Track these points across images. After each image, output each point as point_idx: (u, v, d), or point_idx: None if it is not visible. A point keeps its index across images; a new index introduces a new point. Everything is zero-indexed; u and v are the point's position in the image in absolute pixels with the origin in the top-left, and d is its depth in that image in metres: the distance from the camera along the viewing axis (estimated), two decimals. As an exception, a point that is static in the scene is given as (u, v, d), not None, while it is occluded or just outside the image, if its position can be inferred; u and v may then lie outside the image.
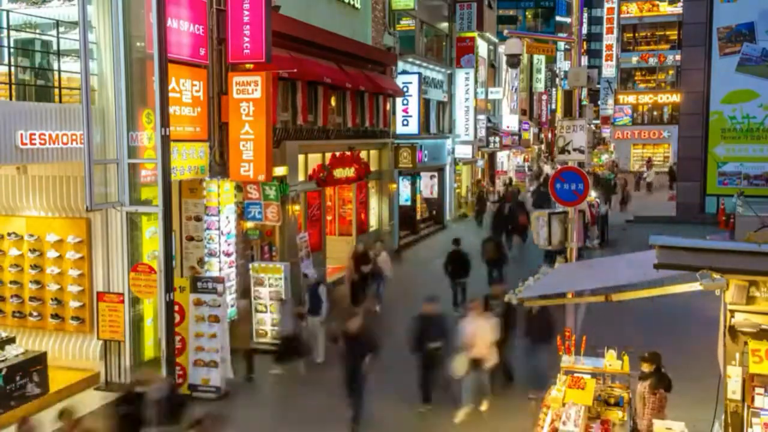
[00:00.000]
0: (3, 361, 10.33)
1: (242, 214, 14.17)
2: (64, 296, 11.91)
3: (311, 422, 10.49)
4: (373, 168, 21.43)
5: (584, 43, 72.72)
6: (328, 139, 18.39)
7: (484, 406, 10.52)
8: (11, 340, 10.95)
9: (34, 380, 10.57)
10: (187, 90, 12.45)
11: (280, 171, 15.02)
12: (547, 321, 10.82)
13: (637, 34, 53.79)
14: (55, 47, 11.02)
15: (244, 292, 13.73)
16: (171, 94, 11.52)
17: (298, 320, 12.66)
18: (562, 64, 73.28)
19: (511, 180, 41.36)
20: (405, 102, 25.12)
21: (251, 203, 14.14)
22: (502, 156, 45.42)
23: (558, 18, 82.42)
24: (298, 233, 16.16)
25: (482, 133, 35.31)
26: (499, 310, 11.05)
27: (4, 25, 10.60)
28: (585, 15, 79.04)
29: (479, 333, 10.31)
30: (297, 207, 16.36)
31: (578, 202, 11.69)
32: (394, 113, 23.85)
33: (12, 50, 11.16)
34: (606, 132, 67.11)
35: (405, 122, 25.26)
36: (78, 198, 11.40)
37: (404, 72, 25.13)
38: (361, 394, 9.97)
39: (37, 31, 11.56)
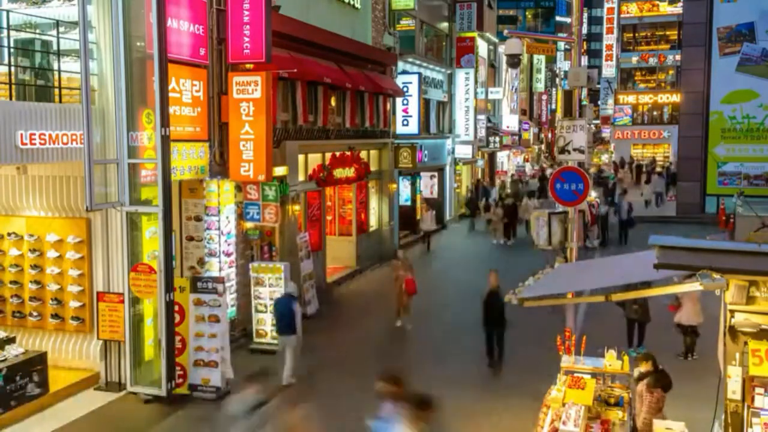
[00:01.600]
0: (3, 361, 10.33)
1: (242, 214, 14.18)
2: (64, 296, 11.90)
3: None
4: (373, 168, 21.43)
5: (584, 43, 72.73)
6: (328, 139, 18.39)
7: None
8: (11, 340, 10.94)
9: (34, 380, 10.56)
10: (187, 90, 12.45)
11: (280, 171, 15.02)
12: None
13: (637, 34, 53.69)
14: (55, 47, 11.01)
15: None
16: (171, 94, 11.52)
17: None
18: (562, 64, 73.40)
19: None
20: (405, 102, 25.12)
21: (250, 204, 14.13)
22: (502, 156, 45.42)
23: (558, 18, 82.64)
24: (298, 233, 16.16)
25: (482, 133, 35.32)
26: None
27: (4, 25, 10.61)
28: (585, 15, 79.08)
29: None
30: (297, 207, 16.35)
31: (578, 202, 11.68)
32: (394, 113, 23.84)
33: (12, 50, 11.15)
34: (606, 132, 67.07)
35: (405, 122, 25.26)
36: (78, 198, 11.40)
37: (404, 72, 25.13)
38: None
39: (37, 31, 11.55)
